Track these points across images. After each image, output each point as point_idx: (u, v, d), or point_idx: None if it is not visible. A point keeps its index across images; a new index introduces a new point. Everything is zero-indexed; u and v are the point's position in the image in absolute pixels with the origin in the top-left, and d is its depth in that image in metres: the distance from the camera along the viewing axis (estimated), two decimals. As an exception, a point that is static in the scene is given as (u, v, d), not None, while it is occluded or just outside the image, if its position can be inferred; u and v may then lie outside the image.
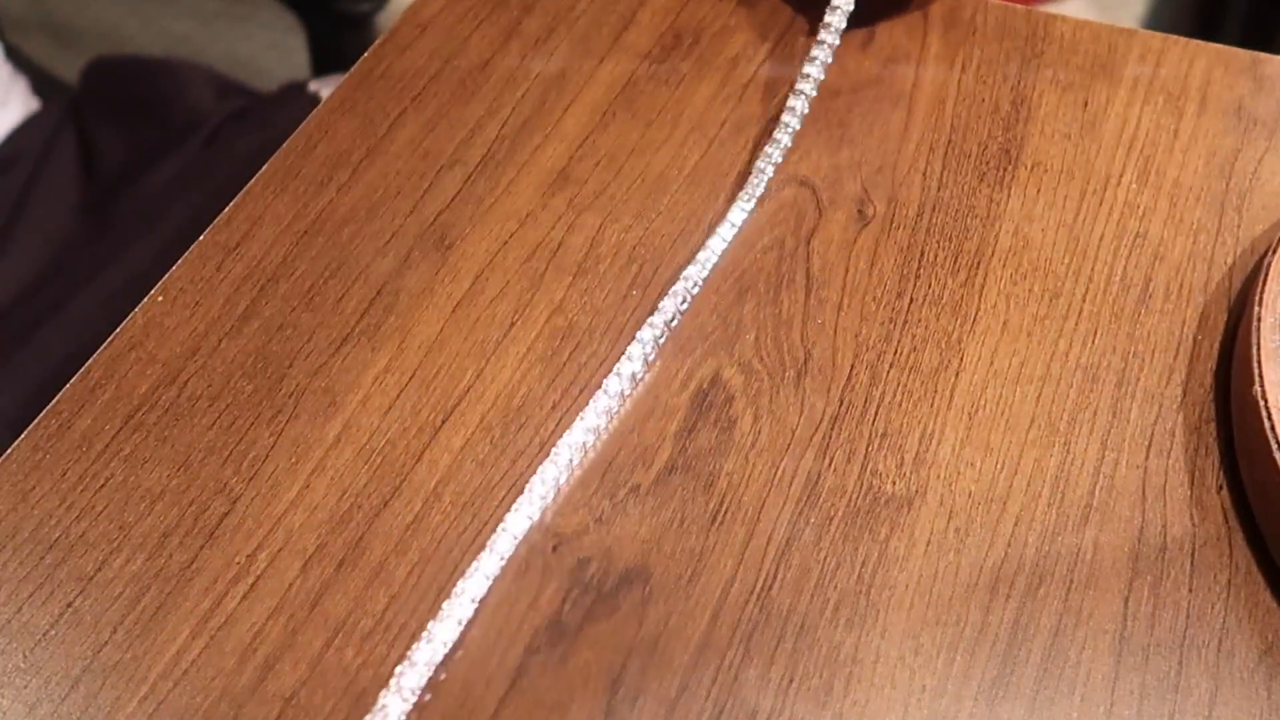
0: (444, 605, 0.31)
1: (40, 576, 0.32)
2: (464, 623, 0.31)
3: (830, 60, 0.42)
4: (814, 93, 0.42)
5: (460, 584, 0.32)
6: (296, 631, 0.31)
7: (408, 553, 0.33)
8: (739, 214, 0.40)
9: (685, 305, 0.38)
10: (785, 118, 0.42)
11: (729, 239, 0.39)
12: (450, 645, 0.31)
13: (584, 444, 0.35)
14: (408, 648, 0.31)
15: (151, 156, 0.74)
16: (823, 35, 0.42)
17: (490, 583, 0.32)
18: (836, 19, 0.42)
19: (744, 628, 0.32)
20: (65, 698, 0.30)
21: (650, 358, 0.36)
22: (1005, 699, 0.31)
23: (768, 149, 0.41)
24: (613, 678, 0.31)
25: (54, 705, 0.30)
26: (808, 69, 0.42)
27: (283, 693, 0.30)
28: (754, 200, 0.40)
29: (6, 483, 0.34)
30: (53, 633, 0.31)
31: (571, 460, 0.34)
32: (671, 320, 0.37)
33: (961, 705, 0.30)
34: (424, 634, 0.31)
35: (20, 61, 0.80)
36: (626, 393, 0.36)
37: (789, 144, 0.42)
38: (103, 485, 0.34)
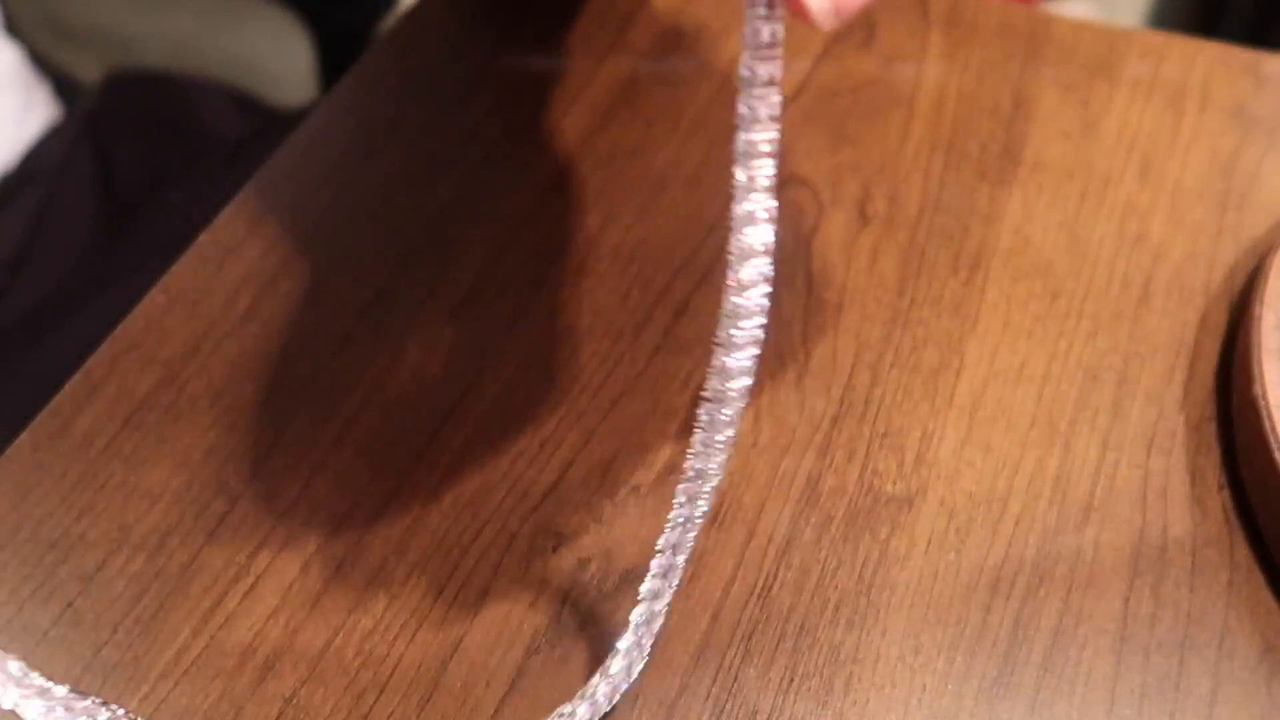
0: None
1: (40, 576, 0.32)
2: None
3: None
4: None
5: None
6: (296, 631, 0.31)
7: (407, 553, 0.33)
8: None
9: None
10: None
11: None
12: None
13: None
14: (407, 648, 0.31)
15: (171, 174, 0.74)
16: None
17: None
18: None
19: (744, 628, 0.32)
20: (65, 698, 0.30)
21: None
22: (1005, 699, 0.31)
23: None
24: (613, 678, 0.31)
25: (54, 705, 0.30)
26: None
27: (283, 693, 0.30)
28: None
29: (7, 482, 0.34)
30: (53, 632, 0.31)
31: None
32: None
33: (961, 705, 0.30)
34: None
35: (43, 67, 0.79)
36: None
37: None
38: (103, 485, 0.34)
